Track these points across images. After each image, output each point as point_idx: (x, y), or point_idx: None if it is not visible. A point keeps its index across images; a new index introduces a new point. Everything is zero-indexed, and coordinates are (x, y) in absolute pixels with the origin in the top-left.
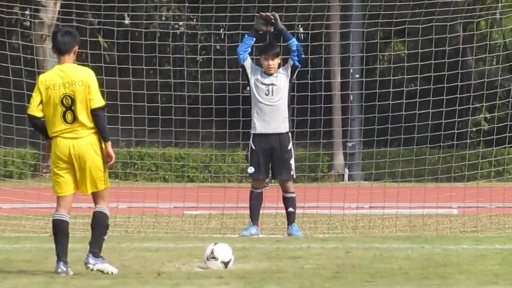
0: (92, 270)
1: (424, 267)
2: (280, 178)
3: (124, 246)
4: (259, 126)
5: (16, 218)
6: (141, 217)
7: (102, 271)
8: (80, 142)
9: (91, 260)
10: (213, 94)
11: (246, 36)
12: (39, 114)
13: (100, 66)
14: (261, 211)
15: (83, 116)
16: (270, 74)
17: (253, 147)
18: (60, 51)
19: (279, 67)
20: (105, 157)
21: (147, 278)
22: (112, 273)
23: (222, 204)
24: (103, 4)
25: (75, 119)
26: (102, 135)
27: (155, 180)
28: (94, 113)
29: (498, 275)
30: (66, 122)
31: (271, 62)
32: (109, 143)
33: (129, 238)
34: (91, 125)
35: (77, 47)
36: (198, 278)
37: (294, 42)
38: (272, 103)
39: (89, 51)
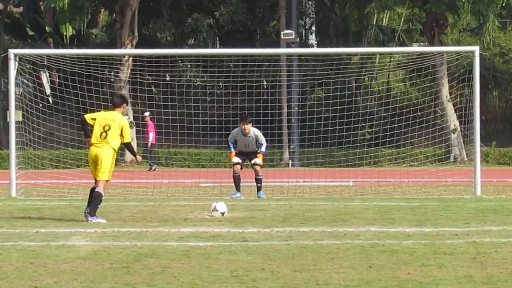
0: (91, 222)
1: (334, 215)
2: (253, 161)
3: (165, 203)
4: (240, 150)
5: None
6: (175, 187)
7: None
8: (101, 151)
9: (89, 218)
10: (216, 119)
11: (230, 144)
12: (89, 122)
13: (152, 103)
14: (244, 185)
15: (110, 139)
16: (246, 134)
17: (237, 152)
18: (114, 105)
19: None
20: (136, 161)
21: (178, 221)
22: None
23: (220, 179)
24: (154, 69)
25: (105, 138)
26: (132, 154)
27: (183, 167)
28: (125, 145)
29: (375, 219)
30: (100, 138)
31: (246, 126)
32: (138, 156)
33: (168, 199)
34: (112, 145)
35: (125, 104)
36: (207, 222)
37: (262, 148)
38: (248, 150)
39: (146, 95)
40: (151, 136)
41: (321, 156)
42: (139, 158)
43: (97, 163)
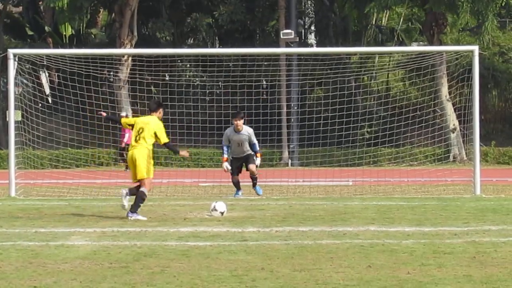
0: (131, 219)
1: (333, 215)
2: (249, 166)
3: (165, 203)
4: (234, 154)
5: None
6: (174, 187)
7: (136, 220)
8: (136, 151)
9: (130, 214)
10: (215, 119)
11: (224, 148)
12: (124, 125)
13: None
14: (243, 185)
15: (143, 140)
16: (238, 131)
17: (231, 158)
18: (150, 110)
19: (244, 123)
20: (183, 156)
21: (177, 221)
22: (143, 219)
23: (220, 179)
24: (153, 69)
25: (139, 140)
26: (173, 152)
27: (183, 166)
28: (165, 146)
29: (374, 219)
30: (135, 141)
31: (238, 122)
32: (180, 152)
33: (168, 198)
34: (145, 145)
35: (160, 110)
36: (207, 221)
37: (256, 147)
38: (241, 151)
39: (145, 95)
40: (127, 136)
41: (320, 156)
42: (185, 153)
43: (134, 164)
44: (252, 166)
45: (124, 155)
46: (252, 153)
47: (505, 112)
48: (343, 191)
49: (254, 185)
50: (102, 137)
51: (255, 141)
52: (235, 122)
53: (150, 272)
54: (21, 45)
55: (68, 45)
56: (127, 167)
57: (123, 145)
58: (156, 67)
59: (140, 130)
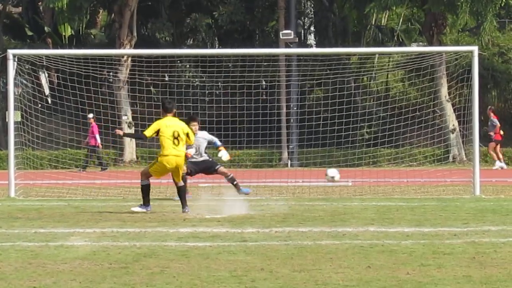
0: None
1: (333, 215)
2: (218, 170)
3: (165, 203)
4: (191, 158)
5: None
6: (174, 187)
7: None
8: (180, 160)
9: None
10: (215, 119)
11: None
12: (149, 135)
13: (150, 103)
14: (243, 184)
15: (182, 144)
16: (194, 135)
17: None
18: (166, 111)
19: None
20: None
21: (177, 221)
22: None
23: (219, 180)
24: (153, 69)
25: (178, 144)
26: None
27: None
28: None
29: (374, 219)
30: (174, 145)
31: (195, 126)
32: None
33: (167, 199)
34: (183, 149)
35: (175, 110)
36: (207, 222)
37: (217, 143)
38: (199, 156)
39: (145, 95)
40: (98, 138)
41: (320, 156)
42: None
43: (178, 169)
44: (220, 169)
45: (96, 156)
46: (211, 159)
47: (504, 112)
48: (342, 192)
49: (238, 189)
50: (102, 138)
51: (212, 138)
52: (191, 127)
53: (149, 273)
54: (21, 45)
55: (68, 45)
56: (84, 168)
57: (100, 147)
58: (156, 67)
59: (176, 133)
